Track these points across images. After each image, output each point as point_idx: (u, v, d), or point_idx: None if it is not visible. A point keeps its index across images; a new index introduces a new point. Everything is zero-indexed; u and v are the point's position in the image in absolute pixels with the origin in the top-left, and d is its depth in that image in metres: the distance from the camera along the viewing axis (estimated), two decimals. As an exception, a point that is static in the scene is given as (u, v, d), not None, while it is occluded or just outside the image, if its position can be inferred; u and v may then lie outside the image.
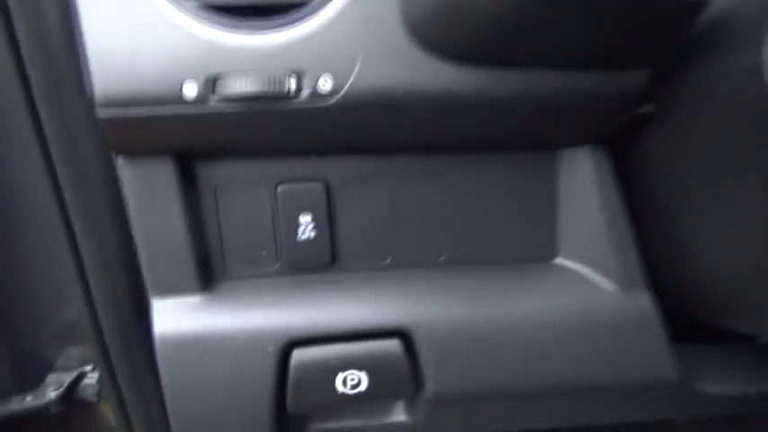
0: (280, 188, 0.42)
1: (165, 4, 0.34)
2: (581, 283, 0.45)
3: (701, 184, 0.40)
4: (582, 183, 0.44)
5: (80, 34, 0.34)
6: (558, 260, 0.46)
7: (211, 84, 0.35)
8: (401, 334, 0.43)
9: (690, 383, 0.45)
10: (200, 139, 0.38)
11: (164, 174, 0.39)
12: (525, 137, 0.42)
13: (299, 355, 0.42)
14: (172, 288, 0.42)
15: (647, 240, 0.44)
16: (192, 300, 0.42)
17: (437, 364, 0.43)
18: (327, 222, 0.43)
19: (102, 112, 0.35)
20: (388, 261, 0.45)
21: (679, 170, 0.42)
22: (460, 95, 0.37)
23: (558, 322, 0.43)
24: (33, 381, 0.60)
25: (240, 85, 0.34)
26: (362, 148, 0.41)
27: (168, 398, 0.42)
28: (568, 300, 0.44)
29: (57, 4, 0.37)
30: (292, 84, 0.35)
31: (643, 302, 0.44)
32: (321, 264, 0.44)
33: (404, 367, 0.42)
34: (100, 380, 0.58)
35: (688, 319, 0.46)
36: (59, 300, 0.58)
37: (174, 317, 0.42)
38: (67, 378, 0.59)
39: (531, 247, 0.46)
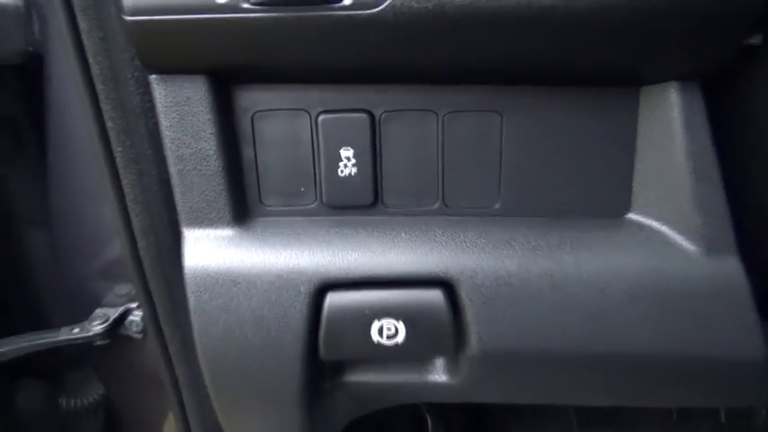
0: (321, 118, 0.39)
1: None
2: (656, 241, 0.39)
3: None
4: (666, 125, 0.38)
5: None
6: (631, 216, 0.41)
7: None
8: (444, 284, 0.40)
9: None
10: (235, 55, 0.35)
11: (197, 94, 0.37)
12: (603, 67, 0.37)
13: (333, 298, 0.40)
14: (204, 218, 0.40)
15: (741, 198, 0.38)
16: (225, 233, 0.40)
17: (483, 320, 0.39)
18: (371, 158, 0.40)
19: (129, 19, 0.33)
20: (435, 206, 0.42)
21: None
22: (530, 6, 0.31)
23: (627, 284, 0.39)
24: (82, 315, 0.61)
25: None
26: (411, 74, 0.37)
27: (197, 333, 0.41)
28: (640, 259, 0.39)
29: None
30: None
31: (731, 269, 0.38)
32: (362, 203, 0.41)
33: (445, 320, 0.39)
34: (144, 318, 0.58)
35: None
36: (107, 236, 0.60)
37: (205, 249, 0.40)
38: (113, 314, 0.61)
39: (600, 199, 0.41)
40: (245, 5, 0.32)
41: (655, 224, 0.40)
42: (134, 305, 0.61)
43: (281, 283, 0.39)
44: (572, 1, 0.31)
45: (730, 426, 0.78)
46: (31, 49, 0.52)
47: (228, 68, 0.37)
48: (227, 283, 0.40)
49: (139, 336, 0.61)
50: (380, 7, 0.32)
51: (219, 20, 0.33)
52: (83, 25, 0.37)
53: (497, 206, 0.42)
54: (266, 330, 0.40)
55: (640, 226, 0.40)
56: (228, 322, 0.40)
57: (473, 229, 0.41)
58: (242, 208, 0.41)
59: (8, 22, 0.50)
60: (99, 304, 0.62)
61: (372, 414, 0.52)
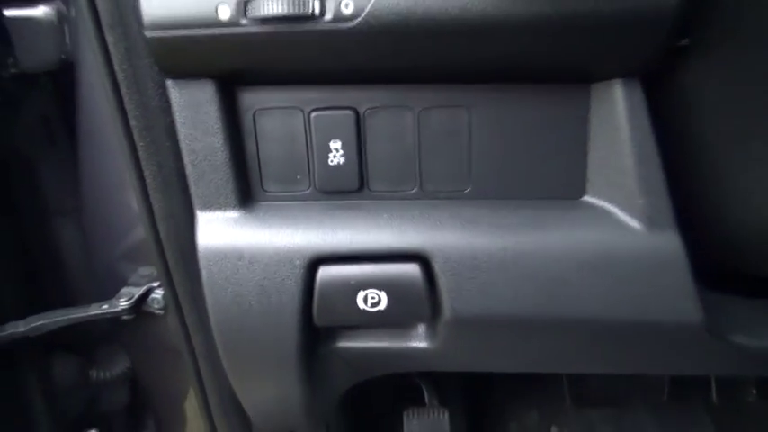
0: (313, 115, 0.44)
1: None
2: (606, 220, 0.44)
3: (740, 123, 0.38)
4: (613, 117, 0.42)
5: None
6: (586, 198, 0.45)
7: (243, 5, 0.38)
8: (421, 259, 0.44)
9: (716, 331, 0.44)
10: (237, 63, 0.41)
11: (207, 96, 0.42)
12: (555, 66, 0.41)
13: (323, 271, 0.45)
14: (214, 203, 0.45)
15: (679, 180, 0.42)
16: (231, 215, 0.46)
17: (454, 290, 0.44)
18: (356, 149, 0.44)
19: (149, 34, 0.39)
20: (413, 190, 0.46)
21: (716, 107, 0.40)
22: (485, 17, 0.37)
23: (581, 258, 0.43)
24: (110, 293, 0.66)
25: (268, 7, 0.37)
26: (389, 75, 0.42)
27: (210, 303, 0.47)
28: (593, 236, 0.43)
29: None
30: (316, 5, 0.37)
31: (670, 242, 0.42)
32: (349, 189, 0.46)
33: (421, 290, 0.44)
34: (165, 296, 0.64)
35: (718, 266, 0.44)
36: (131, 223, 0.65)
37: (215, 229, 0.46)
38: (137, 292, 0.65)
39: (559, 184, 0.45)
40: (244, 21, 0.38)
41: (606, 205, 0.44)
42: (156, 284, 0.65)
43: (280, 258, 0.44)
44: (516, 14, 0.37)
45: (721, 405, 0.81)
46: (63, 57, 0.57)
47: (232, 74, 0.42)
48: (234, 258, 0.45)
49: (161, 312, 0.65)
50: (356, 21, 0.37)
51: (223, 34, 0.38)
52: (109, 38, 0.43)
53: (468, 190, 0.46)
54: (267, 299, 0.45)
55: (593, 207, 0.45)
56: (235, 292, 0.45)
57: (446, 211, 0.45)
58: (246, 193, 0.46)
59: (44, 34, 0.55)
60: (125, 284, 0.66)
61: (371, 392, 0.57)
